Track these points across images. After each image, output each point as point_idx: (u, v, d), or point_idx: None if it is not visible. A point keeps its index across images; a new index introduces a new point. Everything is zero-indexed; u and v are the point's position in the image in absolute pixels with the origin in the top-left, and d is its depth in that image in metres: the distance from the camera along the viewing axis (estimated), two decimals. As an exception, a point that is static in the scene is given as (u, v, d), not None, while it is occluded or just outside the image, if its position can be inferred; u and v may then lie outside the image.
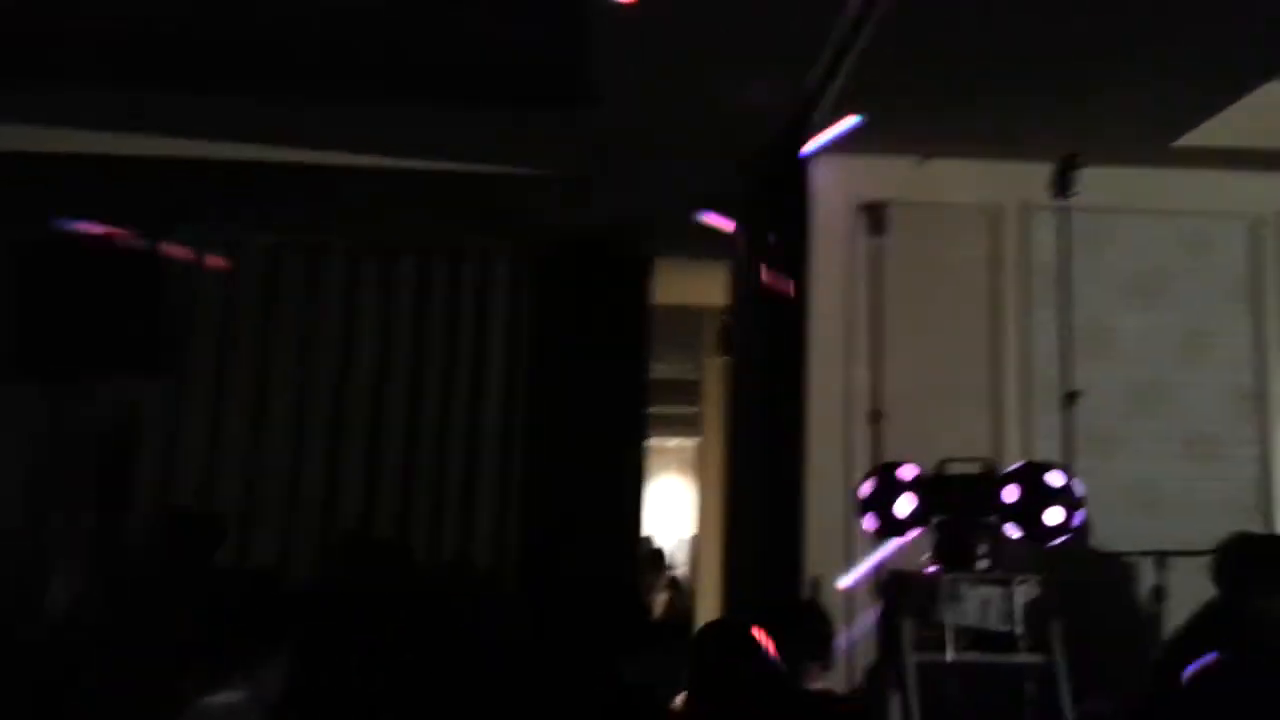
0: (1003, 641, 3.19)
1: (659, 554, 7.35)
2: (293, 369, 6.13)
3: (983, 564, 3.30)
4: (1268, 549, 3.45)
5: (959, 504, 3.37)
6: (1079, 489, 3.36)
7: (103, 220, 5.89)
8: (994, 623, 3.18)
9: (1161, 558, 4.13)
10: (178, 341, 6.01)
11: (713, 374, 7.55)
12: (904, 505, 3.36)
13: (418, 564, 5.20)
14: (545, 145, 4.91)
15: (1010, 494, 3.31)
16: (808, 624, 3.51)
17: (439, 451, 6.11)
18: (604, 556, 5.75)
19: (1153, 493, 4.77)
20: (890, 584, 3.48)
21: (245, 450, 6.05)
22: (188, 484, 5.99)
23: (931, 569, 3.34)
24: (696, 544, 9.39)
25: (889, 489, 3.39)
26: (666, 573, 9.36)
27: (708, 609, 7.06)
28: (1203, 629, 3.24)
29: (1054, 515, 3.27)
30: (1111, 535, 4.45)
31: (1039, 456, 4.34)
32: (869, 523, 3.45)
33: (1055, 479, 3.34)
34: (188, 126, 4.91)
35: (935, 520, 3.39)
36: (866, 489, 3.46)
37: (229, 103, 4.84)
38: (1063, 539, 3.30)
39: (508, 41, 4.29)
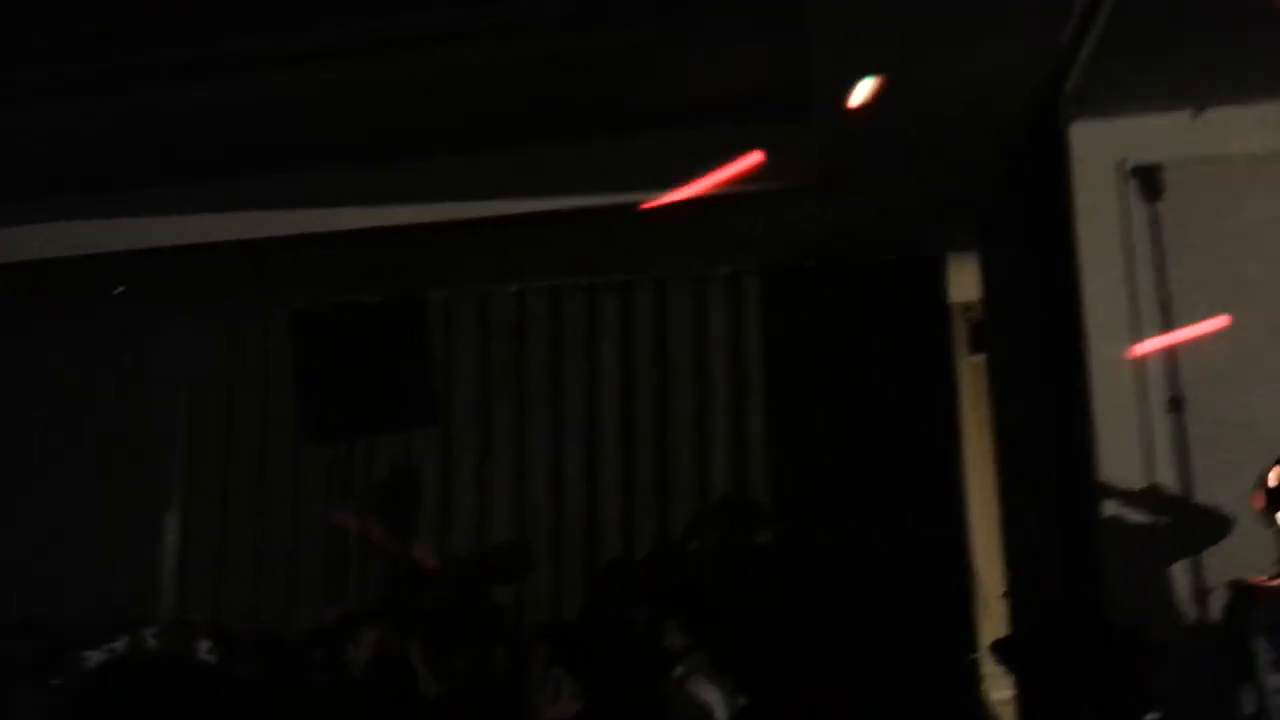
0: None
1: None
2: (547, 409, 6.20)
3: (1355, 568, 2.74)
4: None
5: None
6: None
7: (369, 288, 6.17)
8: (1380, 639, 2.62)
9: None
10: (443, 393, 6.26)
11: (967, 375, 7.01)
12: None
13: None
14: (780, 158, 4.67)
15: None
16: (1120, 657, 3.01)
17: (699, 479, 5.94)
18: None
19: None
20: (1237, 597, 2.95)
21: (511, 491, 6.17)
22: (467, 526, 6.15)
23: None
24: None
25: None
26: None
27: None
28: None
29: None
30: None
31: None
32: None
33: None
34: (435, 190, 5.09)
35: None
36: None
37: (466, 163, 4.95)
38: None
39: (732, 61, 4.25)
